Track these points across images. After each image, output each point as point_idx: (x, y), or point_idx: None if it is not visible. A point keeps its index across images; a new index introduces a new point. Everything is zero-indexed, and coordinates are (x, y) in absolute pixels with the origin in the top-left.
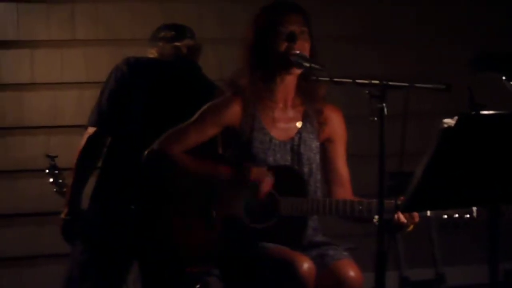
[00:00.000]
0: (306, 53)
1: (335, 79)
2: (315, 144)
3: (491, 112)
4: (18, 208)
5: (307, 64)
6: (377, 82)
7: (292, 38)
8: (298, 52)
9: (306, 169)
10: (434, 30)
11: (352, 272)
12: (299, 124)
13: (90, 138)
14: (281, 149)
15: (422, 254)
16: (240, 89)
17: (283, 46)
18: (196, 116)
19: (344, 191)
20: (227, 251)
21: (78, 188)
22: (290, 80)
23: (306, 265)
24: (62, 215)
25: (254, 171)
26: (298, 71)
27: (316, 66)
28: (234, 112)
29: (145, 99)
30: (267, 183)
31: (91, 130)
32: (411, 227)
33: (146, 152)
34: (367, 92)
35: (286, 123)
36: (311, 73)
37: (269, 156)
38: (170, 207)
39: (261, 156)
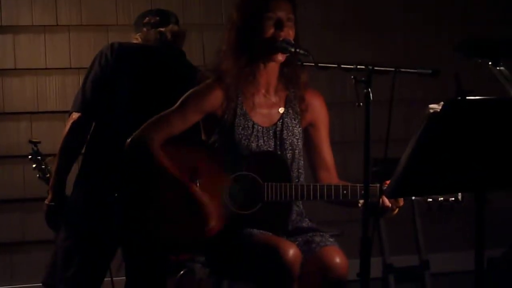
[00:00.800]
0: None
1: (320, 64)
2: (298, 130)
3: (477, 97)
4: (3, 195)
5: (293, 49)
6: (362, 67)
7: (279, 25)
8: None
9: (289, 155)
10: (421, 16)
11: (337, 259)
12: (281, 110)
13: (74, 124)
14: (264, 134)
15: (406, 240)
16: (222, 74)
17: (270, 32)
18: (178, 103)
19: (329, 175)
20: (213, 237)
21: (62, 174)
22: (273, 66)
23: (291, 251)
24: (46, 201)
25: (207, 209)
26: (282, 57)
27: (301, 51)
28: (216, 98)
29: (130, 84)
30: (212, 229)
31: (75, 115)
32: (396, 211)
33: (128, 141)
34: (352, 77)
35: (268, 108)
36: (296, 59)
37: (252, 142)
38: (154, 194)
39: (244, 142)
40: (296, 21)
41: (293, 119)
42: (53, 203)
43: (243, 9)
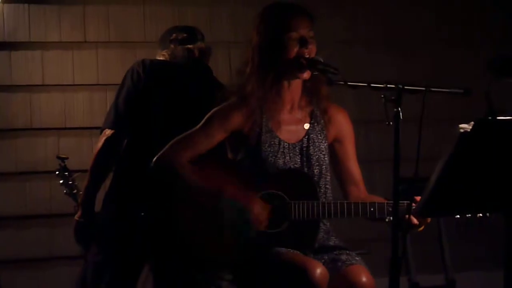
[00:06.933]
0: (314, 56)
1: (350, 83)
2: (324, 145)
3: (507, 117)
4: (29, 210)
5: (322, 67)
6: (392, 86)
7: (303, 43)
8: (309, 56)
9: (316, 171)
10: (449, 34)
11: (364, 278)
12: (307, 126)
13: (108, 141)
14: (291, 151)
15: (432, 259)
16: (248, 95)
17: (294, 51)
18: (202, 122)
19: (358, 190)
20: (240, 256)
21: (93, 191)
22: (297, 82)
23: (319, 270)
24: (76, 217)
25: (254, 211)
26: (307, 74)
27: (331, 70)
28: (240, 117)
29: (161, 101)
30: (261, 224)
31: (108, 132)
32: (422, 227)
33: (153, 161)
34: (382, 96)
35: (294, 125)
36: (326, 77)
37: (279, 159)
38: (181, 212)
39: (271, 160)
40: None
41: (318, 135)
42: (82, 219)
43: (264, 31)
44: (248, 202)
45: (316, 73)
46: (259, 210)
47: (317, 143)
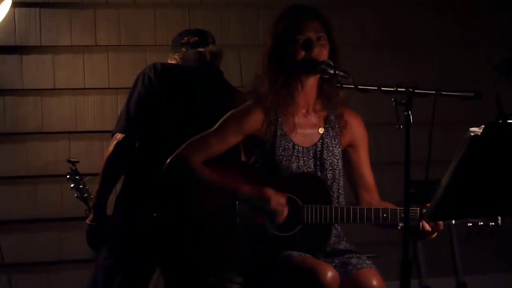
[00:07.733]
0: (324, 59)
1: (360, 86)
2: (338, 150)
3: None
4: (39, 214)
5: (332, 71)
6: (403, 89)
7: (309, 45)
8: (318, 59)
9: (329, 175)
10: (456, 37)
11: (374, 281)
12: (321, 130)
13: (119, 145)
14: (304, 155)
15: (443, 262)
16: (261, 97)
17: (301, 54)
18: (218, 124)
19: (371, 196)
20: (251, 259)
21: (105, 194)
22: (311, 85)
23: (330, 273)
24: (88, 221)
25: (273, 201)
26: (316, 77)
27: (341, 73)
28: (256, 120)
29: (173, 105)
30: (283, 214)
31: (119, 136)
32: (435, 234)
33: (167, 161)
34: (393, 99)
35: (308, 129)
36: (336, 80)
37: (293, 162)
38: (193, 214)
39: (285, 163)
40: (332, 38)
41: (333, 139)
42: (94, 223)
43: (273, 34)
44: (269, 195)
45: (326, 76)
46: (278, 202)
47: (331, 148)
